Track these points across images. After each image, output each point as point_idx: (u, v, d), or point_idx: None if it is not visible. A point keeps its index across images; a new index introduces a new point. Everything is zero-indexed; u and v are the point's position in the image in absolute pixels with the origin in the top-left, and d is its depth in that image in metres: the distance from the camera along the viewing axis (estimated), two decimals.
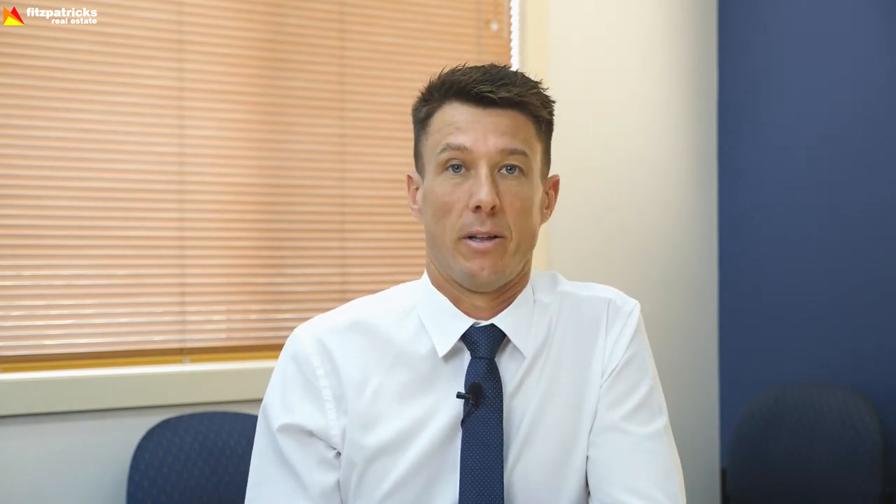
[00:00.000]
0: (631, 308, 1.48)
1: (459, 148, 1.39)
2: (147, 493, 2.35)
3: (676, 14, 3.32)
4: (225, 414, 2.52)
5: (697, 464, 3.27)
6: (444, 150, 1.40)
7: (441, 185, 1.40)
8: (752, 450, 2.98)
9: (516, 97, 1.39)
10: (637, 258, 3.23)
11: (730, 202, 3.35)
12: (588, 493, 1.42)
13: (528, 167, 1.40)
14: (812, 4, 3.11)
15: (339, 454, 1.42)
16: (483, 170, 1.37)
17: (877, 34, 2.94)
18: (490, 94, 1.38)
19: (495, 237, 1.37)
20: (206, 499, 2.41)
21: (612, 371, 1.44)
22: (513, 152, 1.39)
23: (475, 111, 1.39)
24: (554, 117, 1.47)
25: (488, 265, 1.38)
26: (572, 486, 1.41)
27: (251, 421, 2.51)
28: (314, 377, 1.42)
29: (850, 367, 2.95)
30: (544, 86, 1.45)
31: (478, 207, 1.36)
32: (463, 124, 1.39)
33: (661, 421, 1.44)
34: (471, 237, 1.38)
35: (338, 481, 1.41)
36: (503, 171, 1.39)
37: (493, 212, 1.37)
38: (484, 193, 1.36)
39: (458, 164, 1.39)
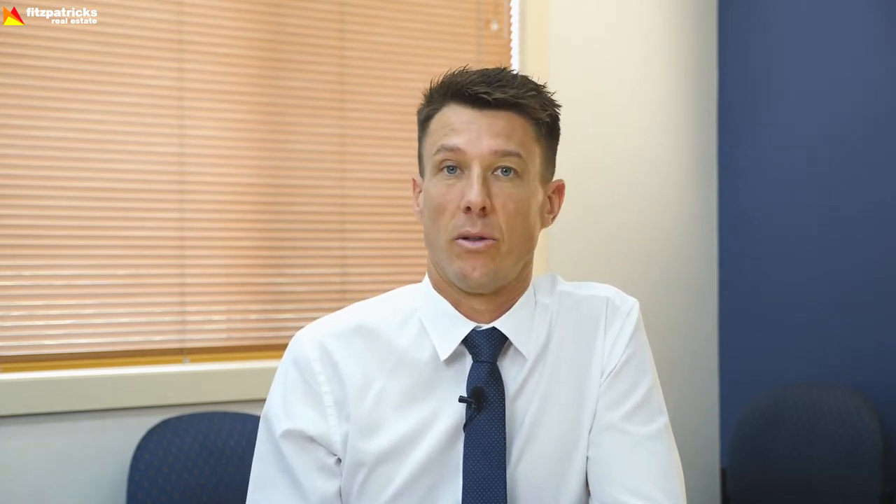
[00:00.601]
0: (630, 307, 1.47)
1: (453, 149, 1.38)
2: (147, 493, 2.35)
3: (676, 14, 3.32)
4: (225, 414, 2.52)
5: (697, 464, 3.27)
6: (438, 151, 1.39)
7: (436, 187, 1.40)
8: (752, 450, 2.98)
9: (511, 98, 1.38)
10: (637, 258, 3.23)
11: (730, 202, 3.35)
12: (588, 494, 1.42)
13: (523, 169, 1.39)
14: (812, 4, 3.11)
15: (339, 461, 1.41)
16: (475, 171, 1.37)
17: (877, 34, 2.94)
18: (485, 96, 1.37)
19: (486, 239, 1.37)
20: (206, 499, 2.41)
21: (612, 371, 1.43)
22: (507, 154, 1.38)
23: (471, 112, 1.39)
24: (559, 121, 1.45)
25: (480, 265, 1.37)
26: (573, 486, 1.41)
27: (251, 421, 2.51)
28: (316, 382, 1.41)
29: (850, 367, 2.95)
30: (549, 89, 1.44)
31: (468, 208, 1.36)
32: (458, 125, 1.39)
33: (661, 420, 1.43)
34: (463, 238, 1.37)
35: (339, 489, 1.41)
36: (497, 172, 1.38)
37: (484, 213, 1.36)
38: (473, 194, 1.35)
39: (453, 166, 1.39)
